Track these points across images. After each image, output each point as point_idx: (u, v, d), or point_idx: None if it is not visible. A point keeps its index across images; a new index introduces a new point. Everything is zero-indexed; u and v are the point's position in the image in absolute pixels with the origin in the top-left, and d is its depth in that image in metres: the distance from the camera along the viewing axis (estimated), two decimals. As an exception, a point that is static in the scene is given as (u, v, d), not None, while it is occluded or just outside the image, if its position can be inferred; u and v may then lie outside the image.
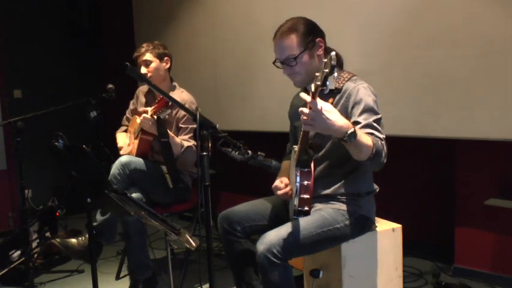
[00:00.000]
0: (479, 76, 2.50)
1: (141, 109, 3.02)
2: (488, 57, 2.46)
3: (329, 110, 1.67)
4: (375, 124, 1.87)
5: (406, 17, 2.73)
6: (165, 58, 2.95)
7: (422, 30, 2.67)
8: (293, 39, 1.98)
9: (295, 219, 1.95)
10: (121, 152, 2.99)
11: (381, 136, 1.85)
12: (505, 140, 2.51)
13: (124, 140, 3.08)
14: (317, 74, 1.63)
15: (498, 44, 2.42)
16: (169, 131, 2.77)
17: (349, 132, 1.67)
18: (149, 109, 2.73)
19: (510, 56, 2.39)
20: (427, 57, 2.67)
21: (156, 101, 2.68)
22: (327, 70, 1.58)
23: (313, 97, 1.63)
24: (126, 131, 3.17)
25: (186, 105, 2.82)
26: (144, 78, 1.96)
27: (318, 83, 1.61)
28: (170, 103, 2.61)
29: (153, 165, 2.87)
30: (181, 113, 2.90)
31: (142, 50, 2.90)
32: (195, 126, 2.80)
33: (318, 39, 2.02)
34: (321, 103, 1.64)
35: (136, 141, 2.89)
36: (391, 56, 2.82)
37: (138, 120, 2.82)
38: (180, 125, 2.91)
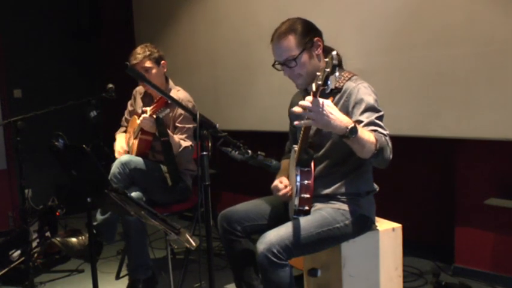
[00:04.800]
0: (479, 76, 2.50)
1: (141, 109, 3.02)
2: (488, 57, 2.46)
3: (330, 106, 1.67)
4: (378, 121, 1.87)
5: (406, 16, 2.73)
6: (162, 62, 2.95)
7: (422, 30, 2.67)
8: (291, 40, 1.98)
9: (295, 218, 1.95)
10: (116, 155, 2.99)
11: (385, 132, 1.84)
12: (505, 139, 2.51)
13: (122, 143, 3.07)
14: (318, 73, 1.63)
15: (498, 43, 2.42)
16: (168, 131, 2.77)
17: (350, 127, 1.67)
18: (148, 109, 2.74)
19: (510, 56, 2.39)
20: (427, 57, 2.67)
21: (155, 100, 2.69)
22: (328, 69, 1.58)
23: (315, 96, 1.63)
24: (125, 131, 3.18)
25: (183, 104, 2.83)
26: (144, 78, 1.96)
27: (319, 82, 1.61)
28: (169, 102, 2.61)
29: (153, 165, 2.87)
30: (178, 112, 2.90)
31: (140, 57, 2.87)
32: (191, 126, 2.81)
33: (316, 39, 2.02)
34: (322, 99, 1.65)
35: (136, 142, 2.89)
36: (391, 56, 2.82)
37: (138, 120, 2.82)
38: (177, 124, 2.91)
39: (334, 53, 1.57)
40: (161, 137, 2.71)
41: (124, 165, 2.74)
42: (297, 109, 1.69)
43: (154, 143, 2.92)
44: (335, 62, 1.57)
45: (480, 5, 2.46)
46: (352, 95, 1.94)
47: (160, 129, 2.70)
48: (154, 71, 2.90)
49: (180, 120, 2.91)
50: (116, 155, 3.00)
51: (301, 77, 2.03)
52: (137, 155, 2.87)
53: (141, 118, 2.74)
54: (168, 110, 2.67)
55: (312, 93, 1.64)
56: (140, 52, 2.89)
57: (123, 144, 3.06)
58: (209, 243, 1.77)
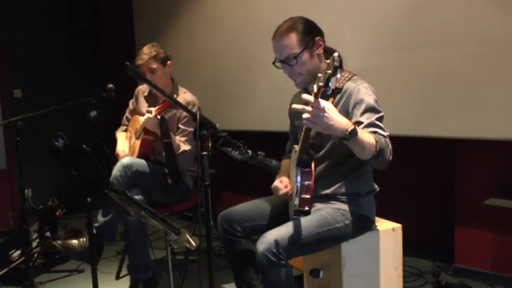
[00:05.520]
0: (479, 76, 2.50)
1: (145, 109, 2.99)
2: (488, 57, 2.46)
3: (331, 109, 1.67)
4: (378, 122, 1.87)
5: (406, 16, 2.73)
6: (168, 62, 2.93)
7: (422, 30, 2.67)
8: (293, 38, 1.98)
9: (295, 218, 1.95)
10: (119, 158, 2.98)
11: (385, 133, 1.84)
12: (505, 139, 2.51)
13: (123, 145, 3.05)
14: (319, 74, 1.62)
15: (498, 43, 2.42)
16: (170, 133, 2.77)
17: (349, 129, 1.67)
18: (153, 109, 2.73)
19: (510, 56, 2.39)
20: (427, 57, 2.67)
21: (161, 101, 2.68)
22: (329, 71, 1.58)
23: (316, 97, 1.63)
24: (126, 130, 3.17)
25: (189, 107, 2.83)
26: (144, 78, 1.97)
27: (321, 84, 1.61)
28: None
29: (154, 166, 2.86)
30: (183, 113, 2.89)
31: (146, 57, 2.86)
32: (193, 129, 2.80)
33: (317, 38, 2.02)
34: (323, 102, 1.64)
35: (138, 142, 2.89)
36: (391, 56, 2.82)
37: (142, 119, 2.81)
38: (180, 126, 2.91)
39: (336, 54, 1.57)
40: (164, 138, 2.70)
41: (126, 167, 2.73)
42: (298, 106, 1.69)
43: (155, 144, 2.91)
44: (336, 63, 1.56)
45: (480, 5, 2.46)
46: (352, 95, 1.94)
47: (164, 130, 2.69)
48: (160, 72, 2.89)
49: (184, 122, 2.90)
50: (119, 158, 2.98)
51: (300, 76, 2.04)
52: (139, 155, 2.86)
53: (145, 117, 2.73)
54: (174, 111, 2.66)
55: (313, 95, 1.64)
56: (146, 52, 2.88)
57: (124, 148, 3.04)
58: (209, 243, 1.77)
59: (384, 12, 2.81)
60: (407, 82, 2.77)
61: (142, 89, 3.15)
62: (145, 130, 2.81)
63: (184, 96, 2.94)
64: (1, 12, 4.72)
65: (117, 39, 5.22)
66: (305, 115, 1.66)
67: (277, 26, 2.05)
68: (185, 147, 2.84)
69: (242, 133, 2.96)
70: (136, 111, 3.12)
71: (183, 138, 2.88)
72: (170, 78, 3.02)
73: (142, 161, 2.82)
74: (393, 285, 2.16)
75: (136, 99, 3.16)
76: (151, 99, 3.08)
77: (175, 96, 2.82)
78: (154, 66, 2.87)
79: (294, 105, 1.70)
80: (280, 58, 2.03)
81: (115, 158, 2.97)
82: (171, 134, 2.79)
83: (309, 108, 1.65)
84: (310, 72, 2.01)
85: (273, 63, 2.07)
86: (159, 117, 2.65)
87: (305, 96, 1.66)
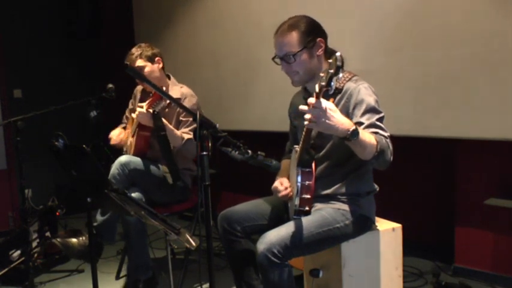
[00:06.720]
0: (479, 76, 2.50)
1: (137, 105, 3.02)
2: (488, 57, 2.46)
3: (333, 110, 1.67)
4: (378, 123, 1.87)
5: (405, 16, 2.73)
6: (156, 59, 2.95)
7: (422, 30, 2.67)
8: (293, 36, 1.98)
9: (295, 218, 1.95)
10: (111, 142, 3.05)
11: (386, 134, 1.85)
12: (505, 139, 2.51)
13: (115, 131, 3.10)
14: (321, 74, 1.62)
15: (498, 43, 2.42)
16: (168, 124, 2.77)
17: (351, 130, 1.67)
18: (144, 104, 2.74)
19: (510, 56, 2.39)
20: (427, 57, 2.67)
21: (150, 95, 2.71)
22: (332, 71, 1.58)
23: (318, 97, 1.63)
24: (124, 128, 3.19)
25: (186, 99, 2.88)
26: (143, 78, 1.98)
27: (323, 83, 1.60)
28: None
29: (152, 165, 2.87)
30: None
31: (133, 57, 2.89)
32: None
33: (318, 39, 2.02)
34: (325, 103, 1.64)
35: (134, 139, 2.89)
36: (391, 56, 2.82)
37: (134, 115, 2.84)
38: (181, 118, 2.93)
39: (338, 54, 1.57)
40: (159, 131, 2.71)
41: (123, 166, 2.74)
42: (303, 107, 1.69)
43: (153, 141, 2.92)
44: (339, 63, 1.57)
45: (480, 5, 2.46)
46: (352, 96, 1.94)
47: (158, 123, 2.70)
48: (147, 69, 2.91)
49: (184, 114, 2.91)
50: (111, 142, 3.05)
51: (297, 75, 2.04)
52: (135, 152, 2.86)
53: (136, 112, 2.75)
54: (163, 103, 2.69)
55: (315, 94, 1.64)
56: (133, 52, 2.92)
57: (117, 133, 3.09)
58: (209, 243, 1.77)
59: (384, 13, 2.81)
60: (407, 82, 2.77)
61: (139, 87, 3.18)
62: (139, 126, 2.82)
63: (181, 90, 2.97)
64: (1, 12, 4.71)
65: (117, 39, 5.21)
66: (307, 115, 1.66)
67: (281, 23, 2.05)
68: (189, 136, 2.85)
69: (242, 133, 2.96)
70: (135, 110, 3.13)
71: (187, 129, 2.89)
72: (165, 74, 3.03)
73: (140, 160, 2.82)
74: (393, 285, 2.16)
75: (135, 98, 3.19)
76: (144, 95, 3.10)
77: (170, 89, 2.88)
78: (140, 64, 2.89)
79: (300, 107, 1.69)
80: (279, 55, 2.04)
81: (116, 156, 2.98)
82: (171, 127, 2.79)
83: (306, 107, 1.64)
84: (307, 72, 2.02)
85: (273, 58, 2.08)
86: (150, 110, 2.66)
87: (310, 100, 1.65)
